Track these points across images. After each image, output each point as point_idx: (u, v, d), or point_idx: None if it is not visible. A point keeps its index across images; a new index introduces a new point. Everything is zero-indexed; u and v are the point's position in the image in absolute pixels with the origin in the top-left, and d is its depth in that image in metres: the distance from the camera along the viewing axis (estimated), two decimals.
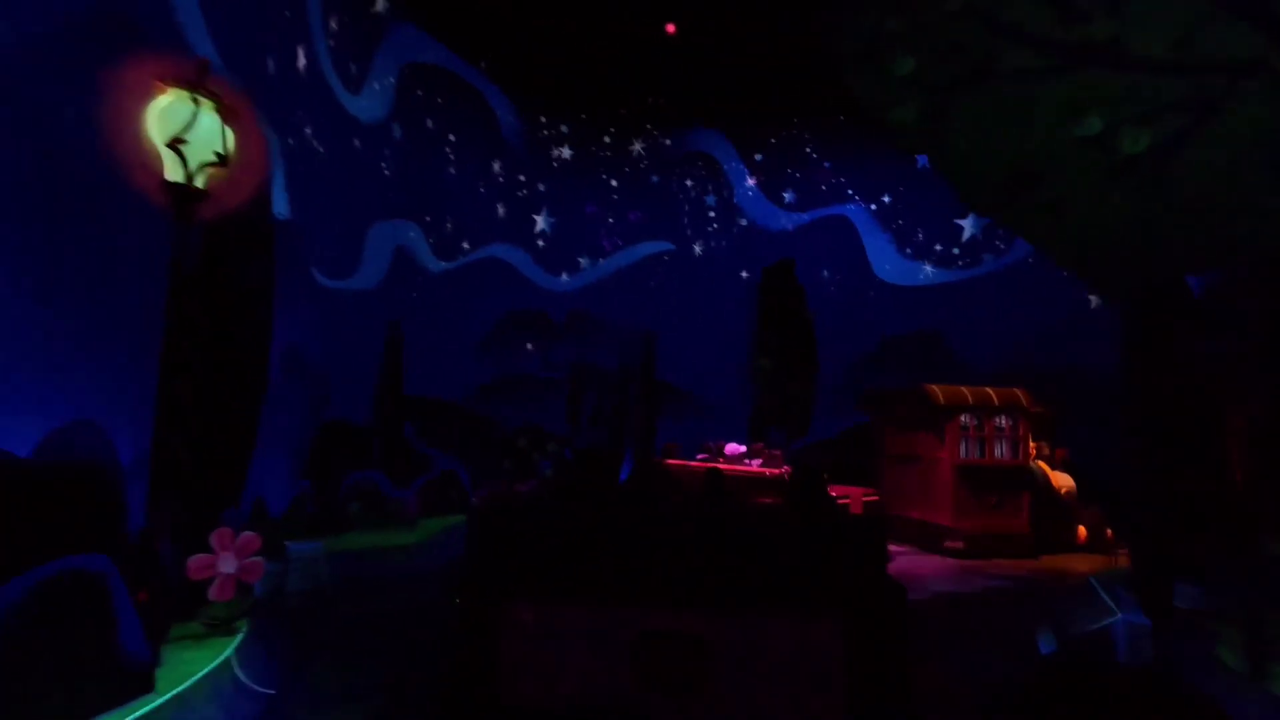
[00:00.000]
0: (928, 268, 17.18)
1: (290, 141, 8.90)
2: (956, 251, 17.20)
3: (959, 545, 9.54)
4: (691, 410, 16.09)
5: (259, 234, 6.05)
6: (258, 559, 4.82)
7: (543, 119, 16.71)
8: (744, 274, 17.03)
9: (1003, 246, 17.21)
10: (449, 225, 14.88)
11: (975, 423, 10.00)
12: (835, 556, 4.14)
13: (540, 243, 16.41)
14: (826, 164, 17.51)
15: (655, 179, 17.38)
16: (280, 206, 8.28)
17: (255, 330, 5.85)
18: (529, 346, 15.55)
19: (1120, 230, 4.27)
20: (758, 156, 17.56)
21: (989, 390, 10.29)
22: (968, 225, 17.19)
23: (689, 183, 17.40)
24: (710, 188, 17.46)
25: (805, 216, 17.41)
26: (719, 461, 10.69)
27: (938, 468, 9.96)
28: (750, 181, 17.45)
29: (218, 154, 4.55)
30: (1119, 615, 5.19)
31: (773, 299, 16.78)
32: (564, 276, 16.59)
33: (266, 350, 6.05)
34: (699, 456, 11.61)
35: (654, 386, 15.08)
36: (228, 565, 4.52)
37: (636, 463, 12.56)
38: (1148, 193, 4.24)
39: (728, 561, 4.12)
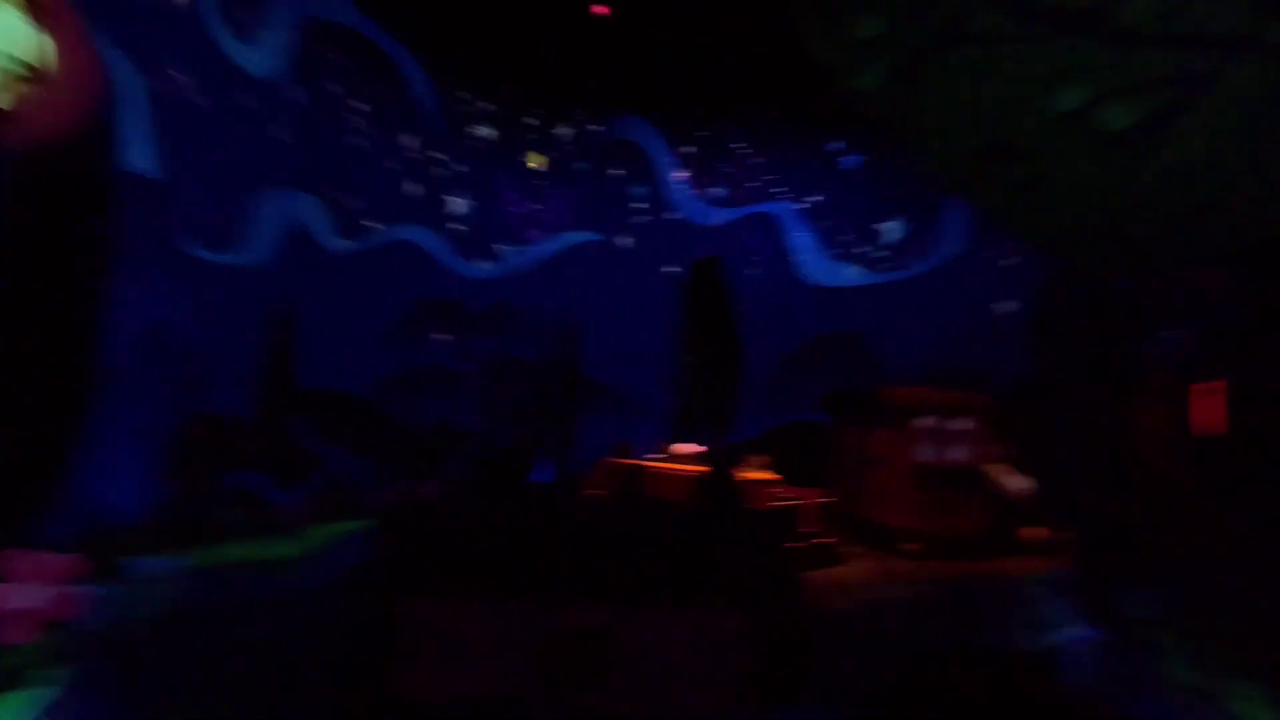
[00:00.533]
0: (853, 269, 17.21)
1: (156, 84, 7.57)
2: (882, 255, 17.32)
3: (916, 547, 9.36)
4: (615, 407, 15.42)
5: (95, 183, 4.90)
6: (72, 587, 3.76)
7: (462, 94, 15.60)
8: (671, 268, 16.51)
9: (925, 252, 17.49)
10: (353, 202, 13.56)
11: (935, 425, 9.82)
12: (738, 552, 4.23)
13: (457, 227, 15.29)
14: (757, 160, 17.25)
15: (583, 166, 16.59)
16: (140, 159, 6.98)
17: (86, 300, 4.71)
18: (442, 337, 14.42)
19: (1102, 212, 3.90)
20: (688, 149, 17.08)
21: (948, 393, 10.37)
22: (891, 229, 17.35)
23: (617, 172, 16.72)
24: (639, 178, 16.84)
25: (734, 212, 17.09)
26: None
27: (896, 469, 9.77)
28: (680, 174, 16.95)
29: (21, 64, 3.48)
30: (1064, 627, 4.90)
31: (700, 295, 16.35)
32: (483, 264, 15.54)
33: (100, 325, 4.91)
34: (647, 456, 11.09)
35: (577, 382, 14.31)
36: (19, 598, 3.46)
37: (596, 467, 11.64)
38: (1131, 173, 3.86)
39: (633, 557, 4.16)
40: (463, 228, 15.09)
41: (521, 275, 15.51)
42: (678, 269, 16.55)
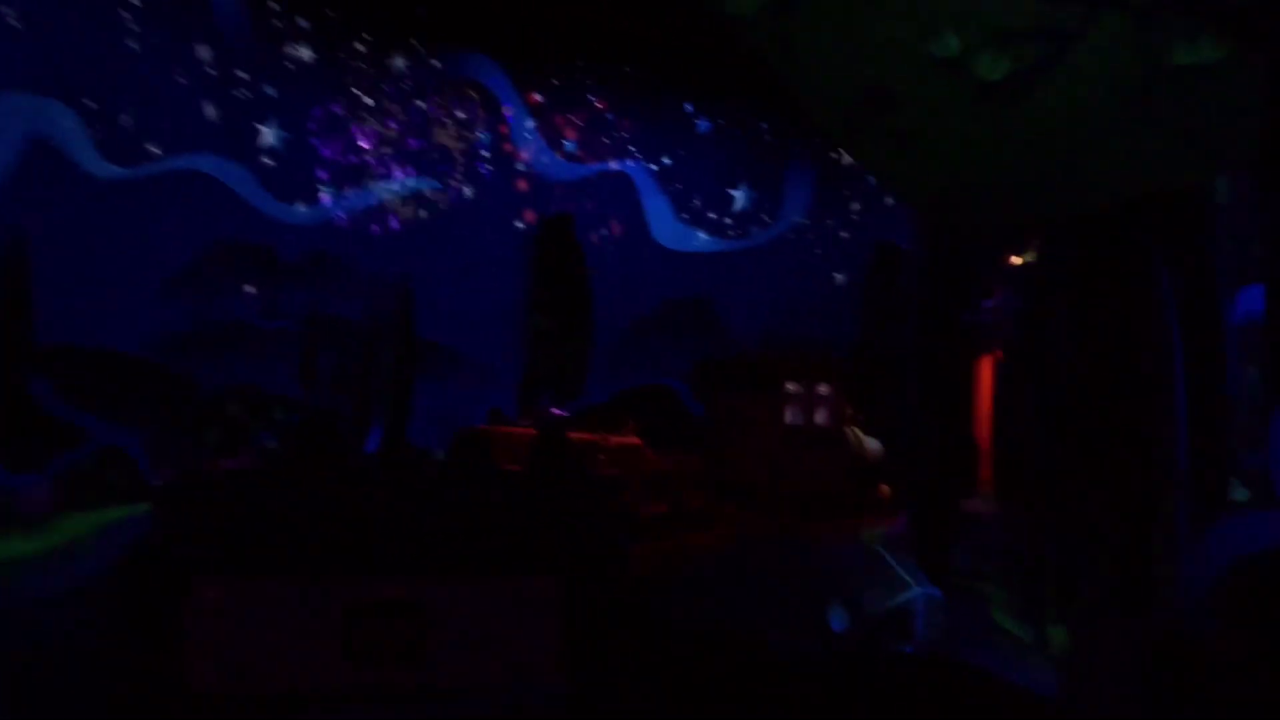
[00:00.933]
0: (702, 234, 17.25)
1: None
2: (728, 221, 17.51)
3: (782, 506, 9.47)
4: (456, 370, 14.32)
5: None
6: None
7: (273, 5, 13.34)
8: (519, 223, 15.53)
9: (768, 220, 17.94)
10: (127, 119, 11.12)
11: (800, 389, 10.16)
12: (559, 517, 4.19)
13: (267, 161, 13.19)
14: (609, 115, 16.60)
15: (420, 105, 14.98)
16: None
17: None
18: (247, 289, 12.46)
19: (974, 167, 3.75)
20: (537, 96, 16.02)
21: (812, 357, 11.05)
22: (739, 196, 17.57)
23: (460, 114, 15.30)
24: (484, 123, 15.55)
25: (586, 169, 16.37)
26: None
27: (765, 432, 9.96)
28: (529, 122, 15.88)
29: None
30: (915, 588, 4.95)
31: (550, 253, 15.56)
32: (299, 206, 13.59)
33: None
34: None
35: (411, 343, 13.04)
36: None
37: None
38: (1002, 125, 3.71)
39: (444, 524, 4.03)
40: (273, 162, 13.03)
41: (346, 222, 13.77)
42: (525, 225, 15.60)
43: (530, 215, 15.53)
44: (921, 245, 6.69)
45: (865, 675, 4.43)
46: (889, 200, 18.94)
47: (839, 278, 18.19)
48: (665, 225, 16.84)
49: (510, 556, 3.94)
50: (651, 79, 16.52)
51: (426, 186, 14.83)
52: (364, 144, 14.21)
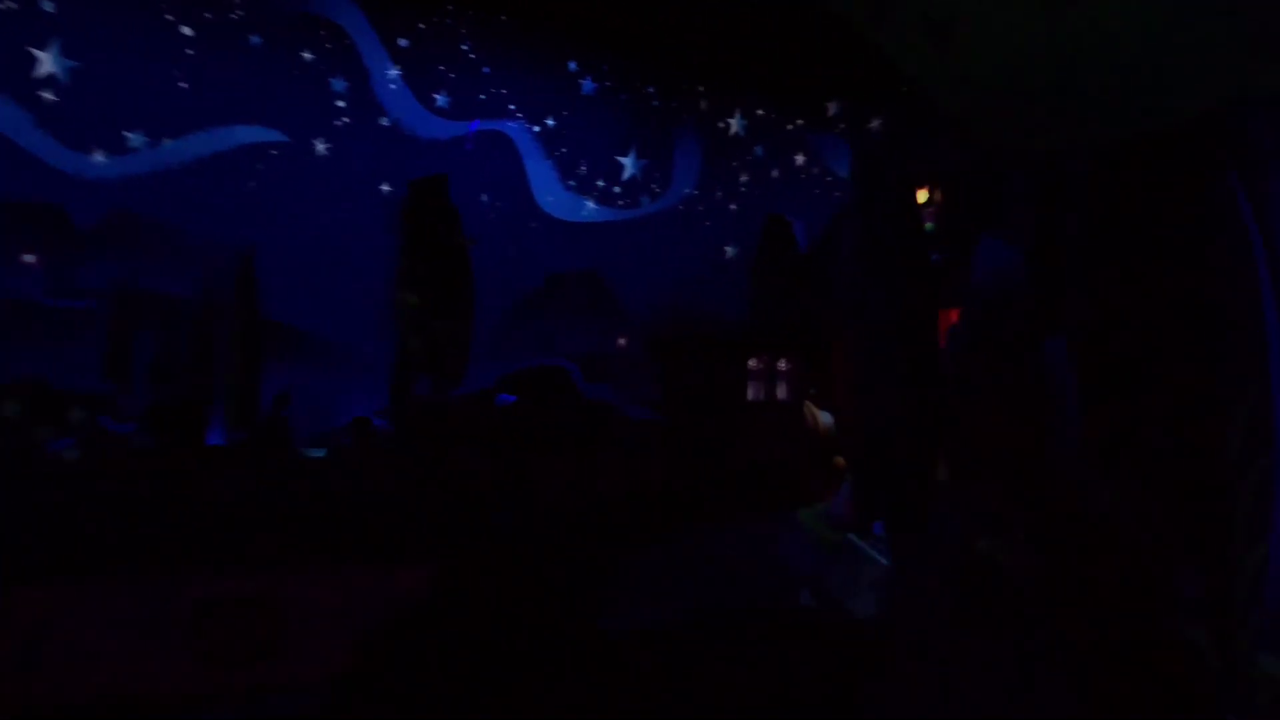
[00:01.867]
0: (590, 204, 16.15)
1: None
2: (617, 190, 16.51)
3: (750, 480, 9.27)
4: (313, 356, 12.34)
5: None
6: None
7: None
8: (385, 186, 13.64)
9: (658, 190, 17.14)
10: None
11: (762, 365, 10.33)
12: (433, 504, 4.24)
13: (49, 96, 10.48)
14: (485, 69, 14.98)
15: (257, 41, 12.63)
16: None
17: None
18: (27, 259, 9.86)
19: (1012, 71, 2.98)
20: (402, 41, 14.10)
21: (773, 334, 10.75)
22: (628, 164, 16.61)
23: (307, 55, 13.10)
24: (339, 69, 13.44)
25: (460, 126, 14.69)
26: None
27: (730, 409, 9.94)
28: (393, 71, 13.94)
29: None
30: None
31: (422, 221, 13.77)
32: (97, 156, 10.99)
33: None
34: None
35: (255, 324, 11.00)
36: None
37: None
38: (1048, 26, 2.93)
39: (301, 513, 3.95)
40: (56, 98, 10.35)
41: (163, 177, 11.30)
42: (391, 188, 13.70)
43: (401, 178, 13.66)
44: (866, 193, 6.02)
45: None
46: (775, 172, 18.85)
47: (729, 250, 17.75)
48: (551, 193, 15.55)
49: (381, 544, 3.83)
50: (531, 31, 15.08)
51: (271, 139, 12.57)
52: (185, 83, 11.73)
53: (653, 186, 16.98)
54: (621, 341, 16.09)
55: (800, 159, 18.88)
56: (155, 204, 11.40)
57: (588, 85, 16.01)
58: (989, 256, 4.09)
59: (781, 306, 16.08)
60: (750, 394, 10.05)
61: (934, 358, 5.57)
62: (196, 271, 11.45)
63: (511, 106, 15.11)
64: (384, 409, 12.93)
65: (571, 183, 15.81)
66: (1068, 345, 3.39)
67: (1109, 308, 3.43)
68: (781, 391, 10.32)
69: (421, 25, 14.16)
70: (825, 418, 10.49)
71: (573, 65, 15.89)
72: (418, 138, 14.10)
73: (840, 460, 9.66)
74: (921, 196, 12.54)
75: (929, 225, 12.49)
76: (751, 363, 10.22)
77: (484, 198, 14.64)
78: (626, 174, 16.53)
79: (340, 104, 13.36)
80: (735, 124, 18.16)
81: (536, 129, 15.37)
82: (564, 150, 15.69)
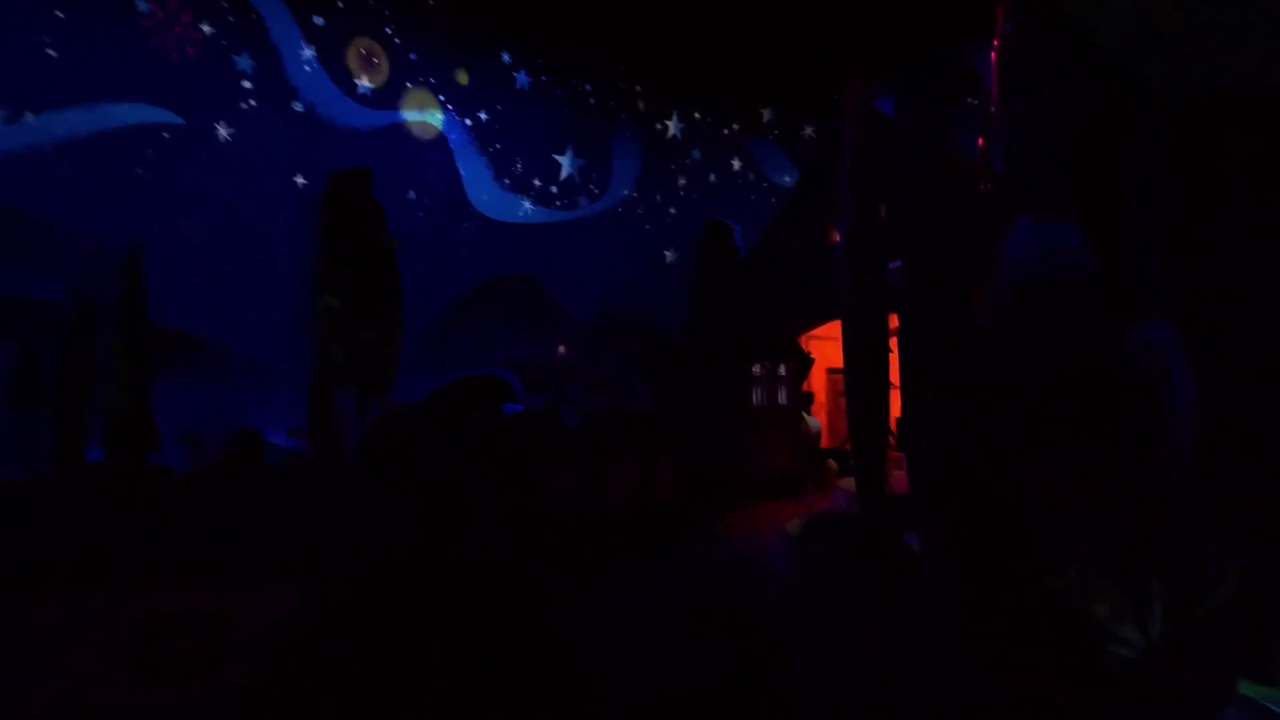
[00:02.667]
0: (527, 204, 15.24)
1: None
2: (555, 190, 15.69)
3: (753, 487, 9.10)
4: (214, 368, 10.81)
5: None
6: None
7: None
8: (300, 179, 12.27)
9: (597, 191, 16.45)
10: None
11: (764, 371, 10.11)
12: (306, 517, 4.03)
13: None
14: (412, 55, 13.84)
15: (144, 7, 11.03)
16: None
17: None
18: None
19: (1169, 11, 2.45)
20: (317, 19, 12.77)
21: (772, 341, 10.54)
22: (565, 163, 15.83)
23: (206, 28, 11.58)
24: (244, 45, 11.97)
25: (384, 116, 13.48)
26: None
27: (735, 416, 9.75)
28: (307, 51, 12.59)
29: None
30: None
31: (343, 218, 12.45)
32: None
33: None
34: None
35: (144, 331, 9.45)
36: None
37: None
38: None
39: (240, 527, 3.88)
40: None
41: (24, 160, 9.54)
42: (307, 180, 12.35)
43: (318, 169, 12.32)
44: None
45: None
46: (712, 177, 18.58)
47: (669, 255, 17.26)
48: (485, 190, 14.54)
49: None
50: (462, 18, 14.08)
51: (162, 121, 10.95)
52: (54, 51, 10.01)
53: (591, 187, 16.27)
54: (562, 349, 15.23)
55: (737, 164, 18.74)
56: (15, 191, 9.63)
57: (522, 79, 15.14)
58: (1030, 239, 3.62)
59: (722, 310, 15.72)
60: (755, 400, 9.92)
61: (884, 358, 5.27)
62: (70, 272, 9.74)
63: (441, 98, 14.02)
64: (298, 428, 11.54)
65: (507, 181, 14.86)
66: (1171, 328, 2.93)
67: (1205, 287, 3.03)
68: (782, 397, 10.14)
69: (340, 3, 12.89)
70: (814, 423, 10.28)
71: (506, 57, 15.00)
72: (336, 126, 12.78)
73: (833, 464, 9.30)
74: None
75: None
76: (756, 368, 10.06)
77: (411, 194, 13.47)
78: (564, 173, 15.75)
79: (246, 85, 11.88)
80: (673, 126, 17.77)
81: (468, 122, 14.35)
82: (498, 146, 14.74)
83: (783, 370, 10.46)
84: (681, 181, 17.75)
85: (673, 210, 17.47)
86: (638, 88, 17.14)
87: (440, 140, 13.97)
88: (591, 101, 16.35)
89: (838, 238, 14.03)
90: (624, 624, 4.14)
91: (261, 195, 11.71)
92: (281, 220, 11.96)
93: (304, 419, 11.86)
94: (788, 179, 19.26)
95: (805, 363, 10.71)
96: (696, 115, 18.25)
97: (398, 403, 12.04)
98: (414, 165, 13.59)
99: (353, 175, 12.40)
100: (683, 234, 17.13)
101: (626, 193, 16.84)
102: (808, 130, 19.66)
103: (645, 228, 17.06)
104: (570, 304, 15.50)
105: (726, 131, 18.73)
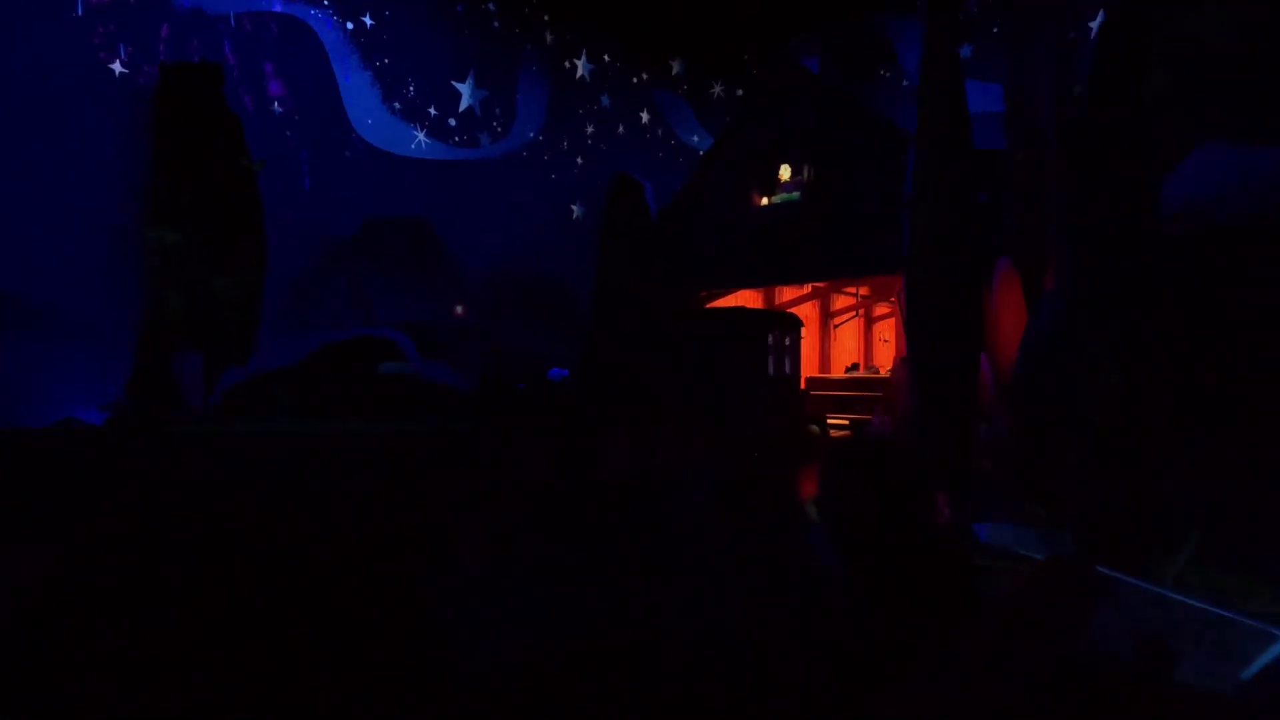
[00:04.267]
0: (420, 136, 12.93)
1: None
2: (453, 123, 13.46)
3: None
4: (17, 325, 7.89)
5: None
6: None
7: None
8: (117, 67, 9.26)
9: (500, 130, 14.37)
10: None
11: (777, 340, 9.94)
12: None
13: None
14: None
15: None
16: None
17: None
18: None
19: None
20: None
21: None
22: (465, 92, 13.61)
23: None
24: None
25: (240, 3, 10.57)
26: None
27: (754, 384, 9.53)
28: None
29: None
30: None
31: (184, 125, 9.56)
32: None
33: None
34: None
35: None
36: None
37: None
38: None
39: None
40: None
41: None
42: (128, 70, 9.30)
43: (144, 53, 9.38)
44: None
45: None
46: (620, 129, 17.10)
47: (576, 209, 15.69)
48: (371, 114, 12.03)
49: None
50: None
51: None
52: None
53: (494, 125, 14.18)
54: (459, 309, 13.25)
55: (645, 117, 17.39)
56: None
57: None
58: (1220, 167, 2.84)
59: (629, 273, 14.54)
60: (771, 369, 9.73)
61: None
62: None
63: None
64: (116, 401, 8.82)
65: (397, 105, 12.43)
66: None
67: None
68: (788, 366, 10.09)
69: None
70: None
71: None
72: (172, 7, 9.75)
73: (814, 429, 9.61)
74: (786, 171, 11.83)
75: (796, 195, 11.80)
76: (771, 336, 9.84)
77: (276, 107, 10.74)
78: (464, 104, 13.52)
79: None
80: (582, 66, 16.03)
81: (350, 25, 11.72)
82: (386, 61, 12.23)
83: (788, 340, 10.19)
84: (589, 129, 16.14)
85: (580, 161, 15.85)
86: (546, 17, 15.19)
87: (313, 42, 11.28)
88: (495, 25, 14.19)
89: (762, 201, 13.11)
90: None
91: (60, 85, 8.62)
92: (93, 123, 8.92)
93: (125, 388, 9.17)
94: (695, 138, 18.26)
95: (798, 329, 10.34)
96: (605, 58, 16.63)
97: (260, 369, 9.66)
98: (279, 68, 10.84)
99: (197, 70, 9.59)
100: (590, 188, 15.59)
101: (532, 135, 14.95)
102: (716, 88, 18.71)
103: (552, 177, 15.31)
104: (466, 257, 13.50)
105: (635, 80, 17.29)
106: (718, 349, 9.82)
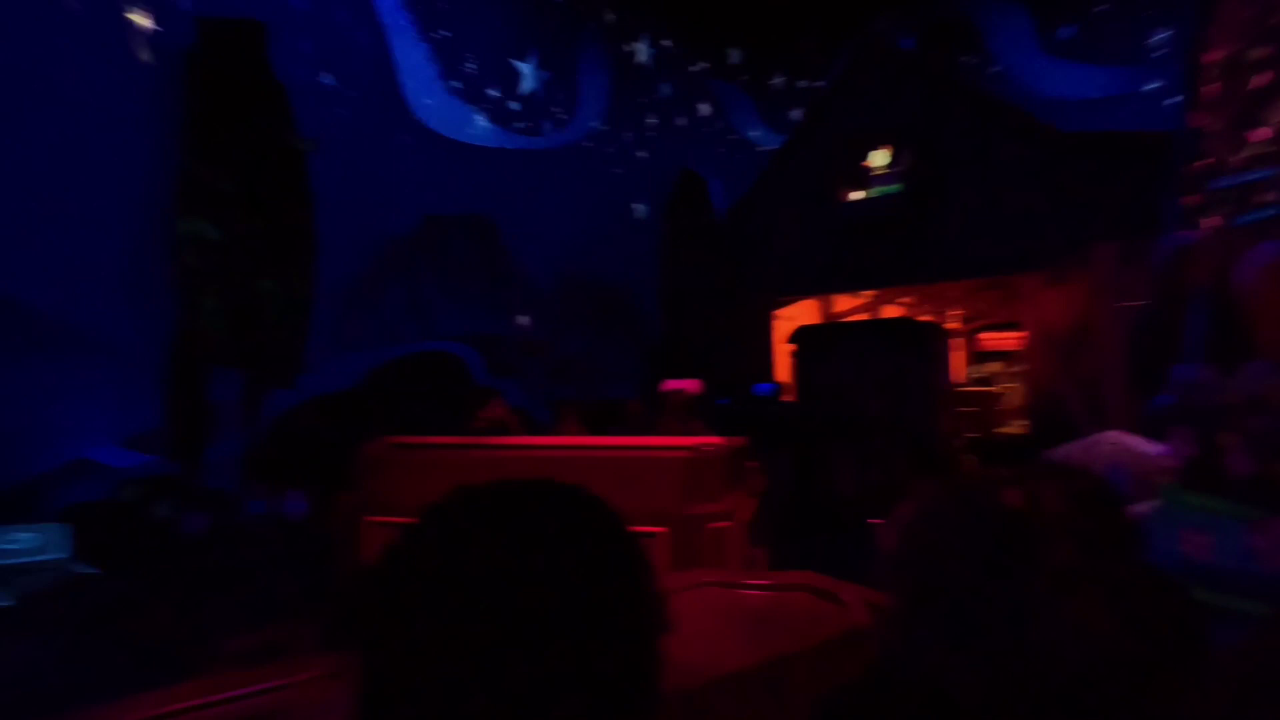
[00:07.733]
0: (480, 119, 11.28)
1: None
2: (515, 107, 11.83)
3: None
4: (34, 344, 6.14)
5: None
6: None
7: None
8: (142, 24, 7.51)
9: (564, 116, 12.75)
10: None
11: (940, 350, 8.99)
12: None
13: None
14: None
15: None
16: None
17: None
18: None
19: None
20: None
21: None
22: (527, 72, 11.99)
23: None
24: None
25: None
26: None
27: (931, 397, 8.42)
28: None
29: None
30: None
31: (220, 102, 7.85)
32: None
33: None
34: None
35: None
36: None
37: None
38: None
39: None
40: None
41: None
42: (166, 34, 7.58)
43: (178, 18, 7.65)
44: None
45: None
46: (682, 120, 15.54)
47: (639, 209, 14.03)
48: (429, 93, 10.38)
49: None
50: None
51: None
52: None
53: (555, 111, 12.56)
54: (524, 320, 11.55)
55: (706, 109, 15.85)
56: None
57: None
58: None
59: (695, 277, 12.95)
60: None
61: None
62: None
63: None
64: (135, 436, 7.03)
65: (455, 84, 10.78)
66: None
67: None
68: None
69: None
70: None
71: None
72: None
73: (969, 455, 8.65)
74: (882, 159, 10.29)
75: (897, 187, 10.24)
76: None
77: (326, 78, 9.06)
78: (526, 86, 11.90)
79: None
80: (643, 51, 14.49)
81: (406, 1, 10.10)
82: (444, 33, 10.60)
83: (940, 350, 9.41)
84: (651, 121, 14.55)
85: (642, 154, 14.23)
86: None
87: (367, 12, 9.64)
88: (559, 1, 12.64)
89: (851, 196, 11.29)
90: None
91: (82, 45, 6.91)
92: (112, 97, 7.20)
93: (150, 417, 7.41)
94: (757, 133, 16.68)
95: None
96: (665, 43, 15.10)
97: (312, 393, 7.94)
98: (330, 41, 9.20)
99: (237, 27, 7.92)
100: (653, 184, 13.96)
101: (595, 124, 13.34)
102: (777, 80, 17.16)
103: (615, 171, 13.67)
104: (529, 261, 11.83)
105: (694, 69, 15.76)
106: (900, 359, 8.33)
